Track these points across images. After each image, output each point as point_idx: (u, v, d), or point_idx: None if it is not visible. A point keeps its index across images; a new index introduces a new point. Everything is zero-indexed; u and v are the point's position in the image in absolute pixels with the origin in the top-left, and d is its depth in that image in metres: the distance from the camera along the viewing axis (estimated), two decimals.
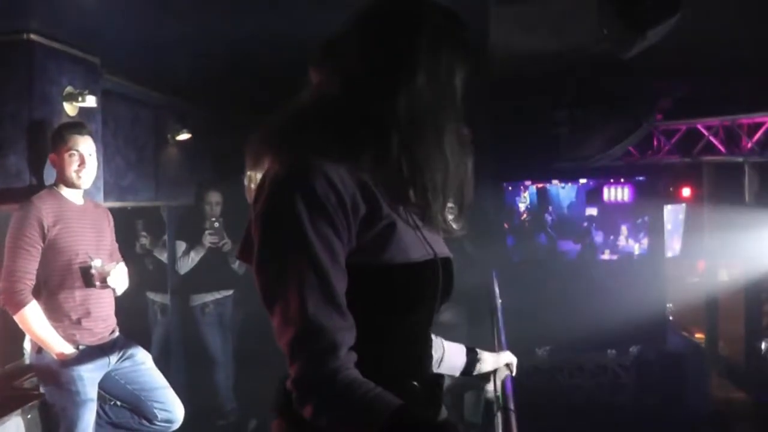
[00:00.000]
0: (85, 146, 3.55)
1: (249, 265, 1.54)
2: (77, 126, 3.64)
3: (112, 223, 3.80)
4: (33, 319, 3.38)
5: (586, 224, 8.72)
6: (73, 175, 3.53)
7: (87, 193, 3.70)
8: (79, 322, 3.49)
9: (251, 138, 1.64)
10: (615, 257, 8.69)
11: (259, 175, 1.57)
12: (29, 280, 3.38)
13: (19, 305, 3.35)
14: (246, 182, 1.66)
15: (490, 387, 2.59)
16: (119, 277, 3.59)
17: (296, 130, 1.54)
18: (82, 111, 4.15)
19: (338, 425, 1.37)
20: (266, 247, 1.46)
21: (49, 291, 3.46)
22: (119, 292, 3.67)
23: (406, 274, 1.49)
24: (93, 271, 3.49)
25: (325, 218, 1.39)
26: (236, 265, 5.85)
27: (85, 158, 3.53)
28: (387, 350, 1.54)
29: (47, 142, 3.72)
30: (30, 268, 3.38)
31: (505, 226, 8.64)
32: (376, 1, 1.56)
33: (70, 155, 3.51)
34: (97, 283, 3.50)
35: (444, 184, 1.54)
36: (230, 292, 5.94)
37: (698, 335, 9.59)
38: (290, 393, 1.45)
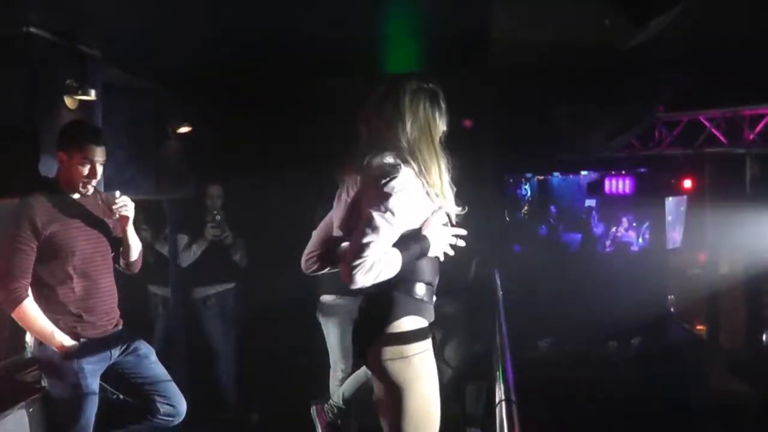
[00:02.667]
0: (99, 157, 3.51)
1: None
2: (96, 135, 3.55)
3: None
4: (30, 315, 3.37)
5: (585, 216, 8.73)
6: (79, 184, 3.51)
7: None
8: (80, 315, 3.48)
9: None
10: (616, 249, 8.69)
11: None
12: (24, 279, 3.37)
13: (15, 303, 3.35)
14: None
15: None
16: (124, 203, 3.58)
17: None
18: (82, 104, 4.13)
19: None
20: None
21: (49, 286, 3.45)
22: (129, 220, 3.64)
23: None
24: (99, 203, 3.57)
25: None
26: (237, 257, 5.85)
27: (96, 169, 3.51)
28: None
29: (47, 135, 3.69)
30: (25, 266, 3.37)
31: (507, 218, 8.64)
32: (387, 82, 2.76)
33: (83, 164, 3.48)
34: (103, 211, 3.59)
35: (439, 177, 2.68)
36: (232, 284, 5.94)
37: (699, 327, 9.60)
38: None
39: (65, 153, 3.47)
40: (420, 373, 2.62)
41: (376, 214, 2.49)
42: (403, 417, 2.61)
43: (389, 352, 2.61)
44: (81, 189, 3.50)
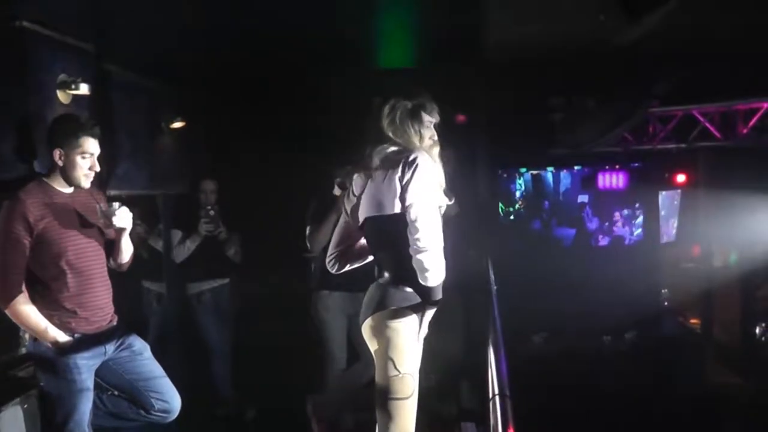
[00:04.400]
0: (97, 149, 3.52)
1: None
2: (91, 127, 3.54)
3: (103, 202, 3.77)
4: (24, 312, 3.37)
5: (578, 211, 8.74)
6: (82, 178, 3.50)
7: None
8: (74, 311, 3.48)
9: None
10: (610, 243, 8.71)
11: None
12: (17, 275, 3.36)
13: (9, 299, 3.34)
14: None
15: None
16: (124, 215, 3.58)
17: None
18: (76, 99, 4.11)
19: None
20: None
21: (42, 283, 3.44)
22: (126, 232, 3.65)
23: None
24: (98, 214, 3.53)
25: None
26: (232, 252, 5.84)
27: (95, 162, 3.51)
28: None
29: (39, 131, 3.67)
30: (18, 263, 3.36)
31: (500, 212, 8.64)
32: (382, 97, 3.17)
33: (83, 158, 3.48)
34: (102, 222, 3.55)
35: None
36: (226, 280, 5.92)
37: (693, 321, 9.63)
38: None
39: (62, 149, 3.45)
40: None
41: (417, 204, 3.01)
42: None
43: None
44: (83, 182, 3.51)
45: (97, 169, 3.53)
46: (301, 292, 5.21)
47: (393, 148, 3.11)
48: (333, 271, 3.42)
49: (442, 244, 3.05)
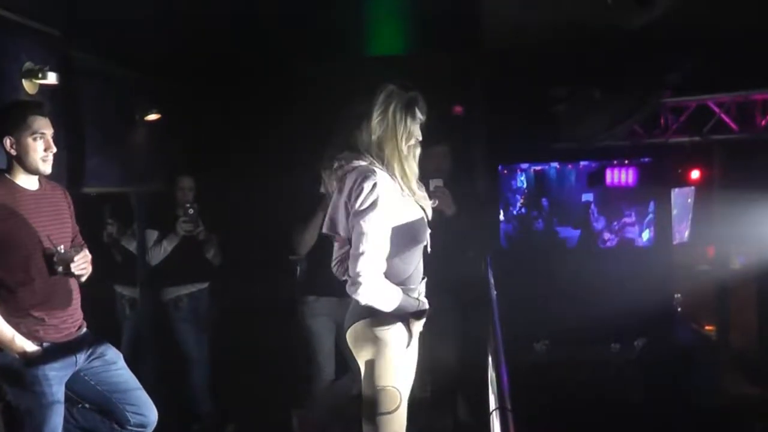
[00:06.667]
0: (48, 128, 3.52)
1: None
2: (39, 106, 3.57)
3: (72, 206, 3.77)
4: None
5: (583, 210, 8.76)
6: (39, 161, 3.50)
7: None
8: (42, 318, 3.48)
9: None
10: (618, 245, 8.74)
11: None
12: None
13: None
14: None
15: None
16: (83, 263, 3.57)
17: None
18: (43, 88, 4.12)
19: None
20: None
21: (7, 287, 3.44)
22: (83, 279, 3.65)
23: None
24: (55, 258, 3.48)
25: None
26: (212, 254, 5.85)
27: (50, 141, 3.51)
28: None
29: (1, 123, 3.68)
30: None
31: (501, 211, 8.67)
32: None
33: (35, 139, 3.48)
34: (60, 269, 3.49)
35: (405, 179, 3.08)
36: (206, 284, 5.92)
37: (708, 327, 9.65)
38: None
39: (11, 135, 3.44)
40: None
41: (362, 224, 2.97)
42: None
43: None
44: (42, 167, 3.50)
45: (54, 149, 3.50)
46: (286, 298, 5.23)
47: (352, 164, 3.08)
48: (341, 278, 3.33)
49: (380, 272, 3.01)
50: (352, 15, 5.20)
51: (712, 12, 5.00)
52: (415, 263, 3.20)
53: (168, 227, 5.72)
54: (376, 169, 3.04)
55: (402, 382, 3.19)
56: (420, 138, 3.16)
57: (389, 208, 3.02)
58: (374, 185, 2.98)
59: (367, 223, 2.96)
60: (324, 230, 3.28)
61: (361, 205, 2.98)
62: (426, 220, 3.20)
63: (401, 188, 3.10)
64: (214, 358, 5.97)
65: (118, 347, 3.88)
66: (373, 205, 2.97)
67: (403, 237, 3.09)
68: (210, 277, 5.96)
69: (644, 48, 6.05)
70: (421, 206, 3.19)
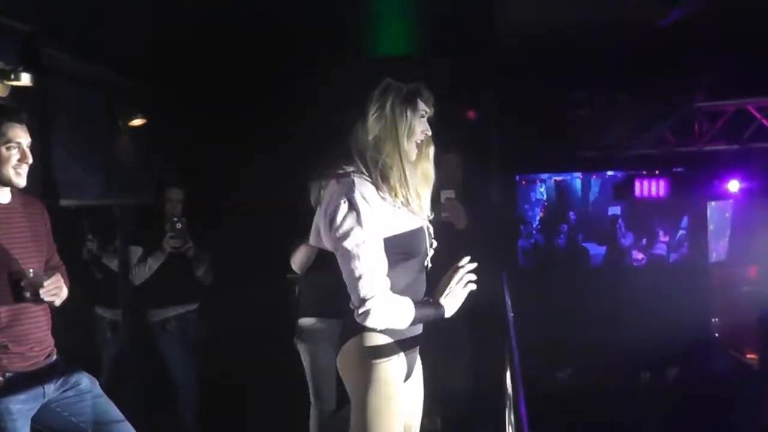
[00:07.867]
0: (25, 137, 3.49)
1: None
2: (15, 112, 3.55)
3: (48, 222, 3.76)
4: None
5: (609, 225, 8.75)
6: (12, 172, 3.48)
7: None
8: (6, 346, 3.43)
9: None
10: (648, 263, 8.72)
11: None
12: None
13: None
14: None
15: None
16: (54, 289, 3.55)
17: None
18: (15, 91, 4.13)
19: None
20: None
21: None
22: (57, 303, 3.63)
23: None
24: (23, 282, 3.45)
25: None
26: (201, 273, 5.84)
27: (26, 151, 3.49)
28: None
29: None
30: None
31: (520, 226, 8.66)
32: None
33: (9, 148, 3.46)
34: (27, 294, 3.47)
35: (404, 183, 2.94)
36: (194, 305, 5.92)
37: (750, 355, 9.61)
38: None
39: None
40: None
41: (346, 247, 2.84)
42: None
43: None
44: (16, 179, 3.48)
45: (29, 160, 3.48)
46: (282, 320, 5.22)
47: (335, 173, 2.94)
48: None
49: (386, 290, 2.87)
50: (361, 14, 5.22)
51: (751, 7, 4.99)
52: (408, 280, 3.00)
53: (154, 243, 5.71)
54: (356, 179, 2.89)
55: (397, 419, 3.00)
56: (429, 133, 3.04)
57: (375, 219, 2.86)
58: (350, 204, 2.83)
59: (353, 244, 2.82)
60: (311, 241, 3.16)
61: (339, 227, 2.84)
62: (426, 231, 3.07)
63: (393, 195, 2.94)
64: (203, 384, 5.96)
65: (97, 374, 3.86)
66: (354, 223, 2.83)
67: (392, 249, 2.91)
68: (200, 297, 5.95)
69: (676, 46, 6.04)
70: (419, 216, 3.02)
